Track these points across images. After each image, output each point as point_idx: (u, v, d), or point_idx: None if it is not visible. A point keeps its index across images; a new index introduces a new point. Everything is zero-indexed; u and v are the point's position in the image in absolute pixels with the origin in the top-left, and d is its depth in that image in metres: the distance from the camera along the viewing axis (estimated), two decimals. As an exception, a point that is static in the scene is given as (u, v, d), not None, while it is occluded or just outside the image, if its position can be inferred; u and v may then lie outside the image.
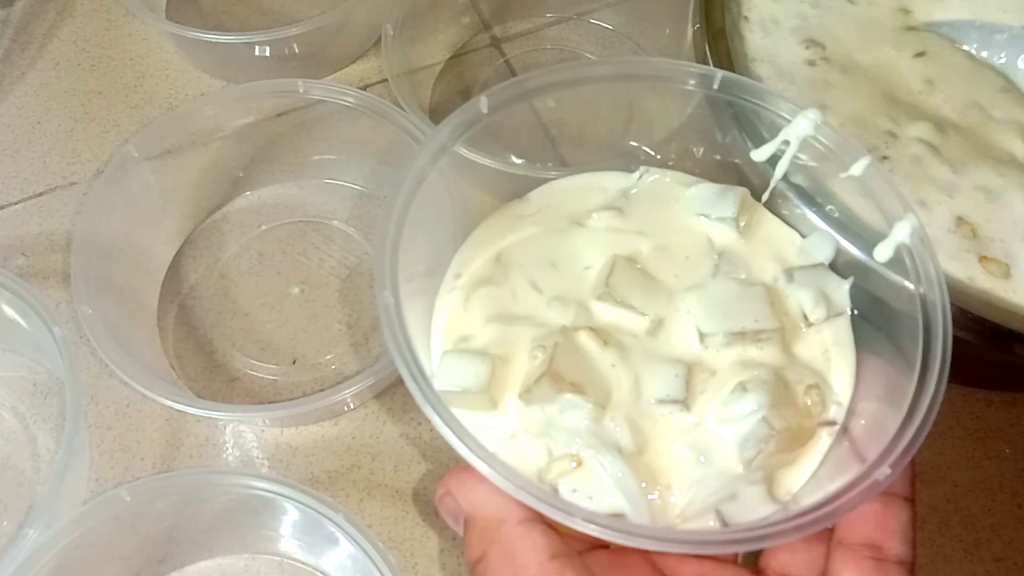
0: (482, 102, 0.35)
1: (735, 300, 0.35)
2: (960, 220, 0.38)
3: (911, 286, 0.33)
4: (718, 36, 0.43)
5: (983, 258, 0.38)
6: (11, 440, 0.44)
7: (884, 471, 0.29)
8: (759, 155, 0.37)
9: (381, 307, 0.31)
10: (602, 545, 0.31)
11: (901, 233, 0.33)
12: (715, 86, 0.37)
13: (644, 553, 0.30)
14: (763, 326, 0.34)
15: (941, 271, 0.32)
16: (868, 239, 0.35)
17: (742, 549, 0.29)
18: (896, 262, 0.33)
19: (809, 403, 0.33)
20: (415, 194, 0.34)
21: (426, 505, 0.43)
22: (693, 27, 0.45)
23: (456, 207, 0.37)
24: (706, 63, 0.43)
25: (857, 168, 0.35)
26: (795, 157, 0.36)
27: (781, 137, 0.36)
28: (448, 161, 0.35)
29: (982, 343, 0.36)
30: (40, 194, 0.51)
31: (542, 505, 0.28)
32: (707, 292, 0.35)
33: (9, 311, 0.41)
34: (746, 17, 0.45)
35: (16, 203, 0.51)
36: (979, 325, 0.36)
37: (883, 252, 0.34)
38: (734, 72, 0.42)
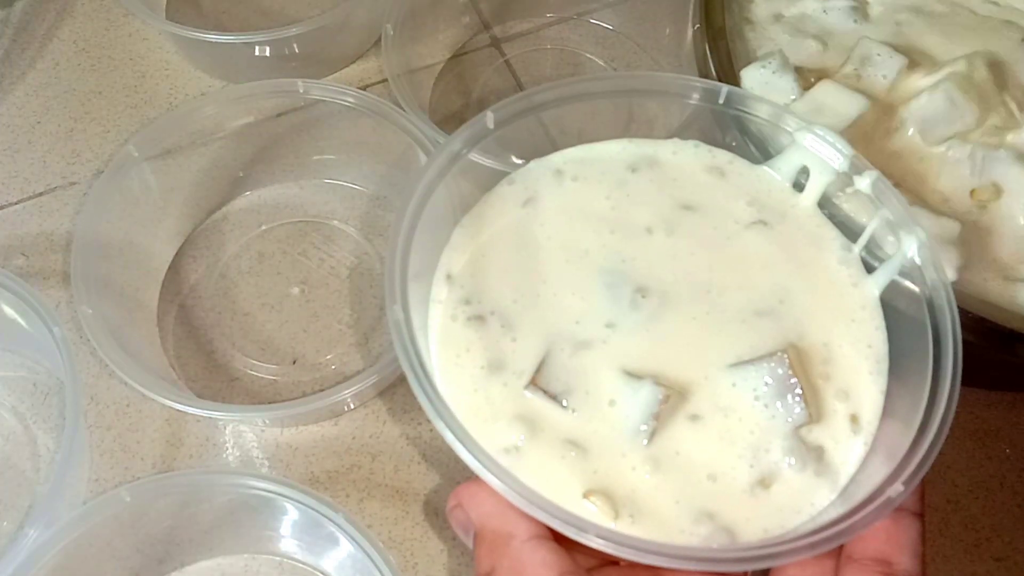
0: (488, 118, 0.35)
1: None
2: None
3: (920, 298, 0.32)
4: (718, 36, 0.43)
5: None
6: (11, 440, 0.44)
7: (897, 488, 0.28)
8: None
9: (392, 321, 0.31)
10: (612, 562, 0.31)
11: (909, 249, 0.33)
12: (720, 100, 0.36)
13: (655, 570, 0.30)
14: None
15: (950, 286, 0.32)
16: (879, 254, 0.34)
17: (755, 566, 0.28)
18: (906, 276, 0.33)
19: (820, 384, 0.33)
20: (423, 208, 0.34)
21: (426, 505, 0.43)
22: (693, 27, 0.45)
23: (457, 210, 0.37)
24: (706, 63, 0.43)
25: (863, 183, 0.34)
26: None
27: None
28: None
29: (982, 343, 0.36)
30: (40, 194, 0.51)
31: (555, 521, 0.28)
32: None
33: (9, 311, 0.41)
34: (748, 19, 0.45)
35: (16, 203, 0.51)
36: (979, 325, 0.36)
37: (890, 268, 0.33)
38: (733, 72, 0.42)
